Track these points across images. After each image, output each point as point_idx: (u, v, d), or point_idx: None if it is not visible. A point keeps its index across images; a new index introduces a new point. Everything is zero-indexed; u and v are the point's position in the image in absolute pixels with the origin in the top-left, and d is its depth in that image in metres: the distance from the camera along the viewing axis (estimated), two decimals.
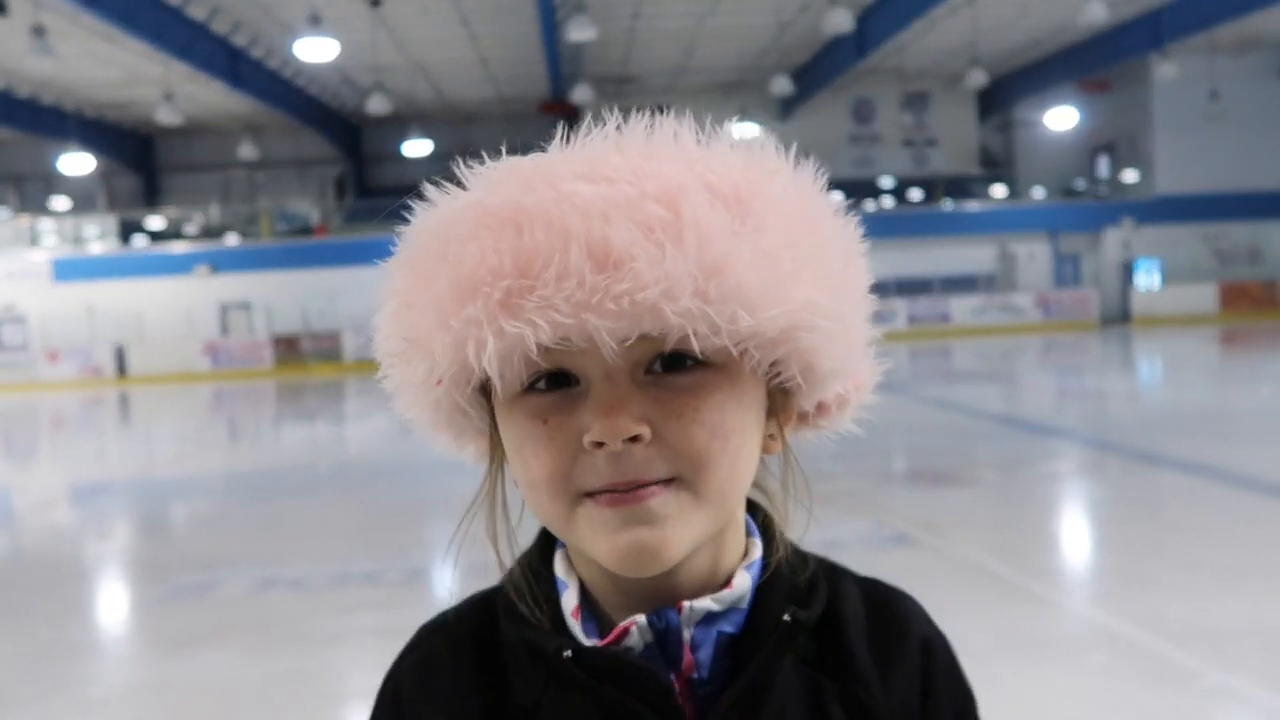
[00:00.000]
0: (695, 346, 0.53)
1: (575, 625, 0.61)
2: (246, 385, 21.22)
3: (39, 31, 14.60)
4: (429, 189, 0.60)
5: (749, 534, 0.64)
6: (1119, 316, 25.11)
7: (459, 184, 0.59)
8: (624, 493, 0.55)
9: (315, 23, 15.51)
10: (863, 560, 4.97)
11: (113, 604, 5.23)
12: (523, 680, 0.62)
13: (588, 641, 0.60)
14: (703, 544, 0.59)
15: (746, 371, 0.57)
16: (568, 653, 0.59)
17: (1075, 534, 5.66)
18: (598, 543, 0.57)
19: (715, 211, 0.54)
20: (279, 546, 6.00)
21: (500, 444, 0.62)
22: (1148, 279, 25.77)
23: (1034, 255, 25.76)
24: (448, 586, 5.07)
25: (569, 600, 0.62)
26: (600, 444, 0.54)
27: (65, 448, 13.34)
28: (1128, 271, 25.71)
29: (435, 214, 0.58)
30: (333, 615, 4.43)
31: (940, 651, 0.67)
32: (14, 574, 5.92)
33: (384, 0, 16.73)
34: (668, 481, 0.56)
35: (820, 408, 0.64)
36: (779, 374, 0.58)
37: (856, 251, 0.61)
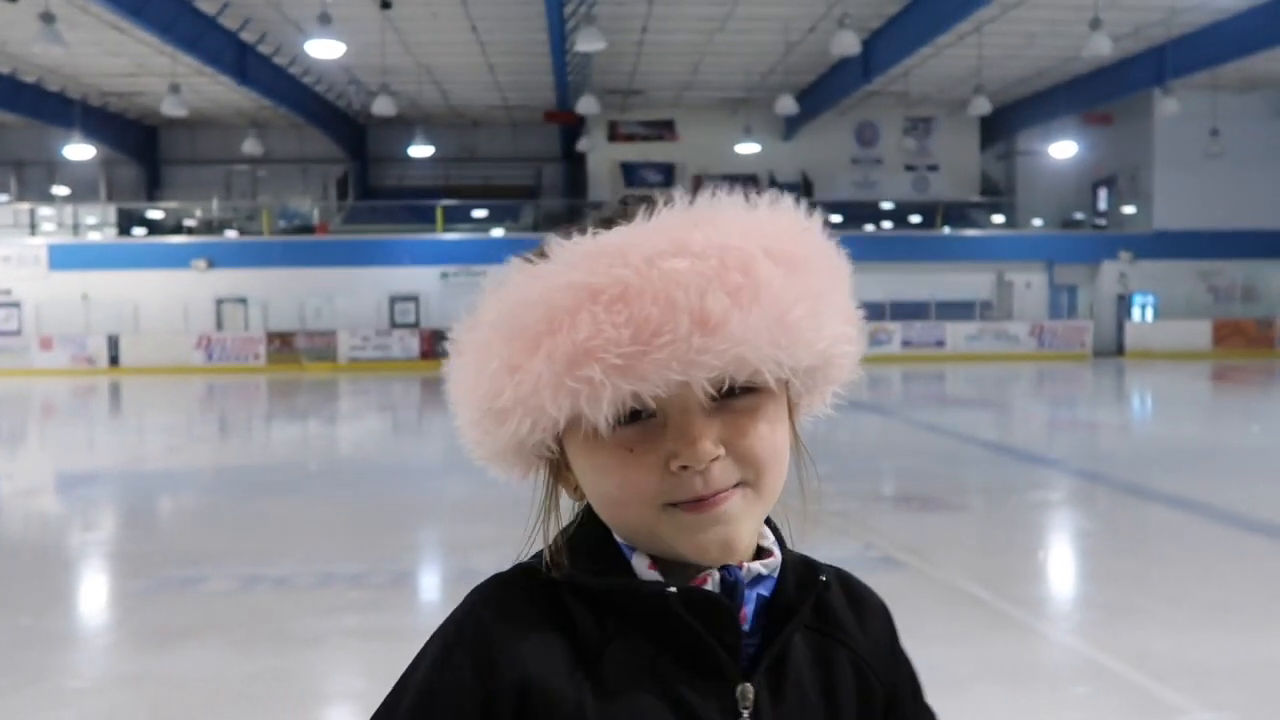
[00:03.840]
0: (767, 379, 0.66)
1: (656, 576, 0.70)
2: (239, 380, 21.18)
3: (48, 18, 14.61)
4: (515, 261, 0.70)
5: None
6: (1113, 349, 25.19)
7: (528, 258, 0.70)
8: (704, 501, 0.67)
9: (325, 22, 15.55)
10: None
11: (94, 595, 5.20)
12: (587, 625, 0.70)
13: (671, 587, 0.70)
14: (758, 533, 0.72)
15: (783, 390, 0.71)
16: (672, 589, 0.68)
17: (1062, 564, 5.66)
18: (681, 541, 0.68)
19: (776, 273, 0.66)
20: (265, 544, 5.97)
21: (558, 463, 0.73)
22: (1142, 313, 25.88)
23: (1031, 284, 25.86)
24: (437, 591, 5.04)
25: (640, 560, 0.71)
26: (686, 466, 0.66)
27: (54, 436, 13.29)
28: (1123, 304, 25.81)
29: (532, 288, 0.67)
30: (316, 615, 4.40)
31: (884, 608, 0.81)
32: None
33: (394, 3, 16.78)
34: (736, 485, 0.68)
35: (808, 404, 0.77)
36: (804, 390, 0.73)
37: (851, 283, 0.74)
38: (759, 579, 0.71)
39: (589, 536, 0.73)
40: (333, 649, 4.01)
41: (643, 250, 0.65)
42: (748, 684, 0.69)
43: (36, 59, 20.14)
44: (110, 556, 6.03)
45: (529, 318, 0.66)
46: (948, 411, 13.75)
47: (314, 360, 23.64)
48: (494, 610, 0.70)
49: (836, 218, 26.14)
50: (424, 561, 5.86)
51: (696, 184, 0.72)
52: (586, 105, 21.58)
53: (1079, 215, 27.95)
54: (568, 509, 0.76)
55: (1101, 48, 16.05)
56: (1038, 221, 27.66)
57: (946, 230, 26.33)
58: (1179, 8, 17.88)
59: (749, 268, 0.65)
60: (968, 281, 25.37)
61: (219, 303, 24.81)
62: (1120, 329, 25.38)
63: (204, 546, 5.84)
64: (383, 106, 19.67)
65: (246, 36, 19.04)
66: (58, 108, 23.31)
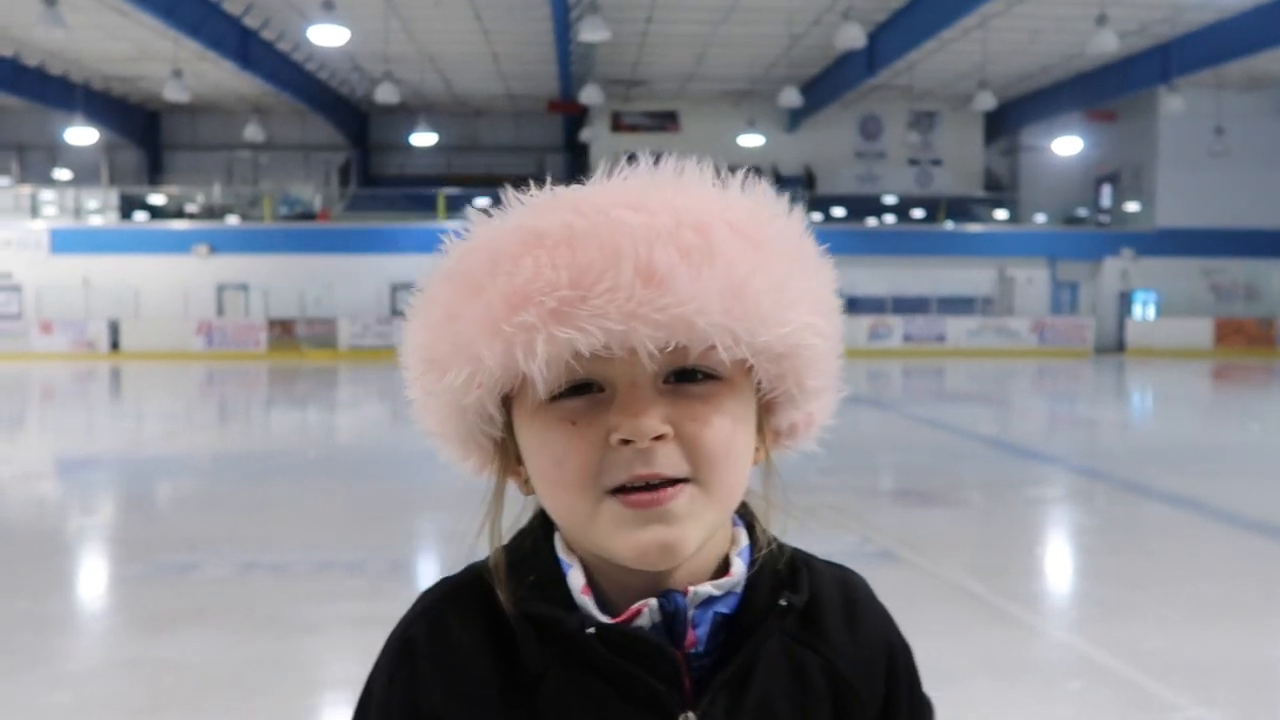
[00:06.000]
0: (722, 357, 0.62)
1: (588, 602, 0.67)
2: (239, 367, 21.18)
3: (50, 1, 14.56)
4: (472, 212, 0.67)
5: (734, 524, 0.71)
6: (1114, 346, 25.19)
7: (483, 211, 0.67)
8: (646, 494, 0.62)
9: (329, 8, 15.51)
10: None
11: (93, 579, 5.21)
12: (529, 651, 0.67)
13: (603, 618, 0.66)
14: (707, 540, 0.66)
15: (749, 386, 0.66)
16: (591, 629, 0.65)
17: (1059, 560, 5.67)
18: (617, 539, 0.63)
19: (737, 242, 0.63)
20: (263, 530, 5.98)
21: (508, 451, 0.69)
22: (1144, 310, 25.87)
23: (1032, 280, 25.84)
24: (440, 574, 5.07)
25: (576, 579, 0.67)
26: (628, 441, 0.62)
27: (54, 420, 13.30)
28: (1125, 301, 25.80)
29: (481, 234, 0.66)
30: (314, 602, 4.41)
31: (893, 629, 0.76)
32: None
33: None
34: (683, 482, 0.63)
35: (791, 428, 0.71)
36: (772, 389, 0.67)
37: (834, 285, 0.70)
38: (713, 598, 0.67)
39: (530, 545, 0.70)
40: (330, 636, 4.02)
41: (596, 201, 0.63)
42: (690, 713, 0.65)
43: (39, 42, 20.09)
44: (108, 541, 6.04)
45: (473, 262, 0.64)
46: (948, 406, 13.76)
47: (314, 347, 23.64)
48: (426, 629, 0.69)
49: (839, 211, 26.13)
50: (422, 550, 5.87)
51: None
52: (590, 95, 21.52)
53: (1082, 212, 27.91)
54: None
55: (1107, 44, 16.00)
56: (1040, 217, 27.63)
57: (949, 225, 26.29)
58: (1184, 5, 17.82)
59: (706, 230, 0.62)
60: (969, 277, 25.35)
61: (220, 289, 24.80)
62: (1122, 326, 25.38)
63: (202, 532, 5.85)
64: (385, 94, 19.62)
65: (250, 22, 18.98)
66: (60, 91, 23.26)
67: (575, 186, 0.66)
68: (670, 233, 0.61)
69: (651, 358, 0.61)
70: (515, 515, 0.73)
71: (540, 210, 0.64)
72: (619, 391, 0.63)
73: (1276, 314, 25.18)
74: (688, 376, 0.63)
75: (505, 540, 0.71)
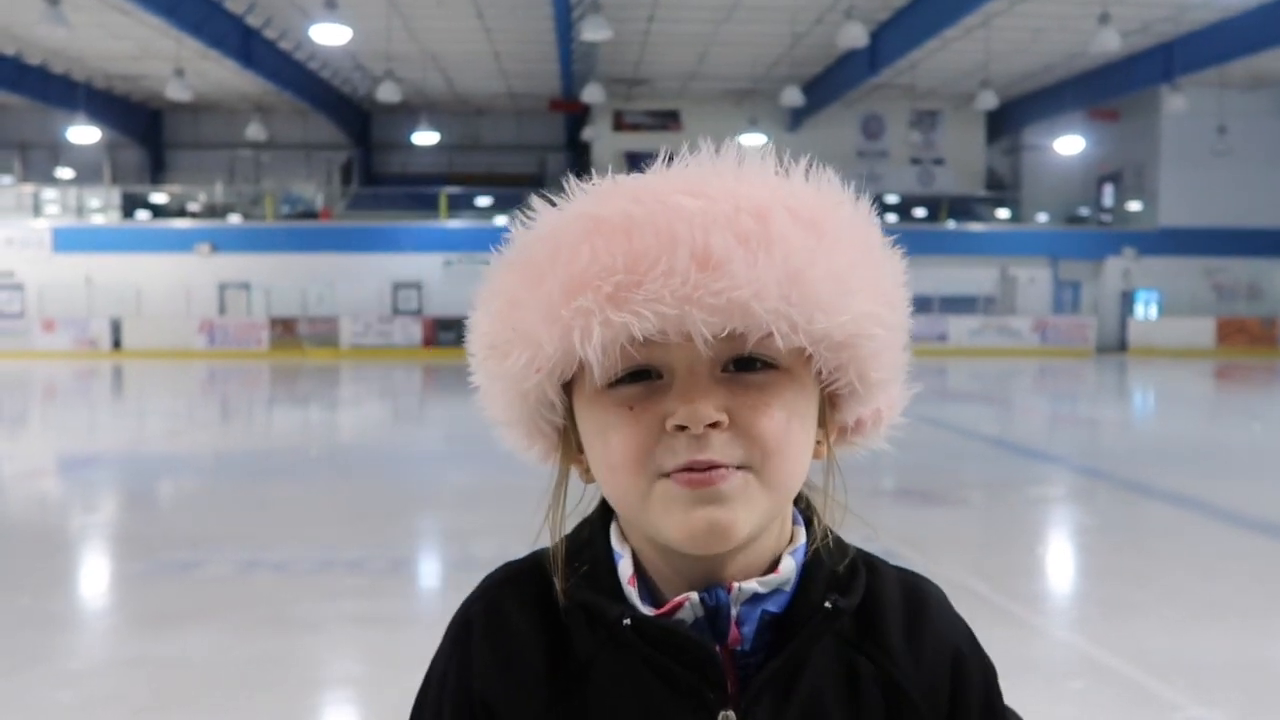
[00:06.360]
0: (779, 344, 0.61)
1: (632, 592, 0.67)
2: (241, 365, 21.19)
3: (53, 0, 14.57)
4: (535, 201, 0.68)
5: (794, 523, 0.71)
6: (1116, 345, 25.18)
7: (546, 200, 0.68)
8: (700, 473, 0.62)
9: (331, 7, 15.51)
10: None
11: (95, 577, 5.22)
12: (580, 638, 0.68)
13: (644, 609, 0.66)
14: (761, 528, 0.65)
15: (809, 377, 0.65)
16: (627, 620, 0.65)
17: (1060, 559, 5.67)
18: (671, 518, 0.63)
19: (796, 229, 0.62)
20: (265, 529, 5.99)
21: (570, 440, 0.70)
22: (1146, 310, 25.85)
23: (1034, 280, 25.83)
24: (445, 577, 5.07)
25: (624, 569, 0.68)
26: (683, 428, 0.62)
27: (56, 418, 13.31)
28: (1127, 301, 25.78)
29: (543, 222, 0.66)
30: (315, 600, 4.42)
31: (964, 641, 0.74)
32: None
33: None
34: (737, 469, 0.63)
35: (858, 424, 0.71)
36: (834, 381, 0.66)
37: (902, 277, 0.69)
38: (761, 596, 0.66)
39: (588, 534, 0.71)
40: (332, 634, 4.02)
41: (656, 189, 0.64)
42: (730, 712, 0.65)
43: (41, 41, 20.10)
44: (110, 539, 6.05)
45: (536, 250, 0.65)
46: (949, 406, 13.76)
47: (316, 346, 23.65)
48: (483, 611, 0.70)
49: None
50: (423, 548, 5.87)
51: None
52: (592, 94, 21.52)
53: (1084, 211, 27.90)
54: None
55: (1109, 43, 15.99)
56: (1042, 217, 27.61)
57: (951, 224, 26.28)
58: (1187, 4, 17.80)
59: (765, 216, 0.62)
60: (971, 276, 25.33)
61: (222, 288, 24.82)
62: (1124, 326, 25.37)
63: (204, 530, 5.85)
64: (387, 93, 19.62)
65: (252, 21, 18.98)
66: (62, 90, 23.26)
67: (636, 174, 0.66)
68: (728, 218, 0.61)
69: (707, 343, 0.61)
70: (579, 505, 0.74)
71: (601, 198, 0.65)
72: (677, 378, 0.63)
73: (1278, 313, 25.15)
74: (746, 365, 0.63)
75: (563, 521, 0.72)
